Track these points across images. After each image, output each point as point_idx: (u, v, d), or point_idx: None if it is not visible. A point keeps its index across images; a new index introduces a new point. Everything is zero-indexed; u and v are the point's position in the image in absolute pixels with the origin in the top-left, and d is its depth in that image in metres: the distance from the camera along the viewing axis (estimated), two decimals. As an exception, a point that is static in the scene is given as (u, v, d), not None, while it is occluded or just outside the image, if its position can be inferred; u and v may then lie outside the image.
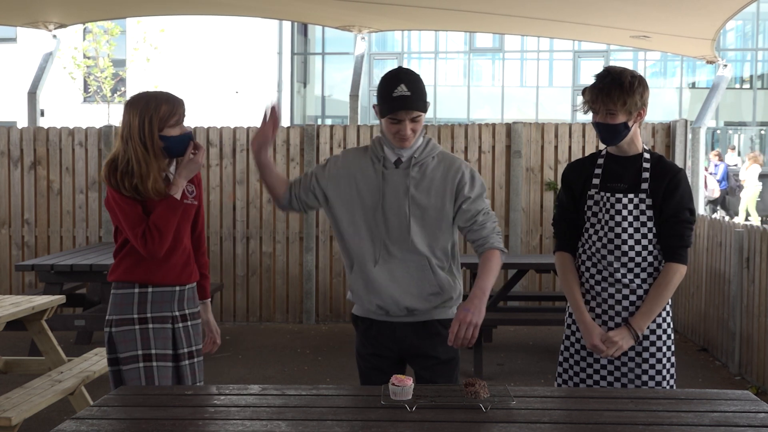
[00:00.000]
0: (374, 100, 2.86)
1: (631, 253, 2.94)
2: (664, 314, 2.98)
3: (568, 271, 3.05)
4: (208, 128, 8.02)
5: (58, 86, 18.14)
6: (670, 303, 3.00)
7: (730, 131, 28.79)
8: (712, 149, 20.04)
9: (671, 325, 3.02)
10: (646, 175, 2.95)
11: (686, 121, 7.87)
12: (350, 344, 7.00)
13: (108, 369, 3.08)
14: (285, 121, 25.43)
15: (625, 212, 2.93)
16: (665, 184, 2.92)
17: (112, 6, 8.78)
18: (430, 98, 2.89)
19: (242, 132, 7.98)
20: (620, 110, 2.86)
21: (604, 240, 2.96)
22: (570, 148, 7.88)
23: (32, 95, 8.83)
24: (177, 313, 3.11)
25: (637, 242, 2.93)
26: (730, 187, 17.27)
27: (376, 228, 2.87)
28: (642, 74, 2.97)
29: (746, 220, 15.68)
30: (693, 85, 29.66)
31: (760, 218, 16.22)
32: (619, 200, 2.94)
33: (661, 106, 27.85)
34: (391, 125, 2.81)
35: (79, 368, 4.66)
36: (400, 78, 2.78)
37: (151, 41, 18.05)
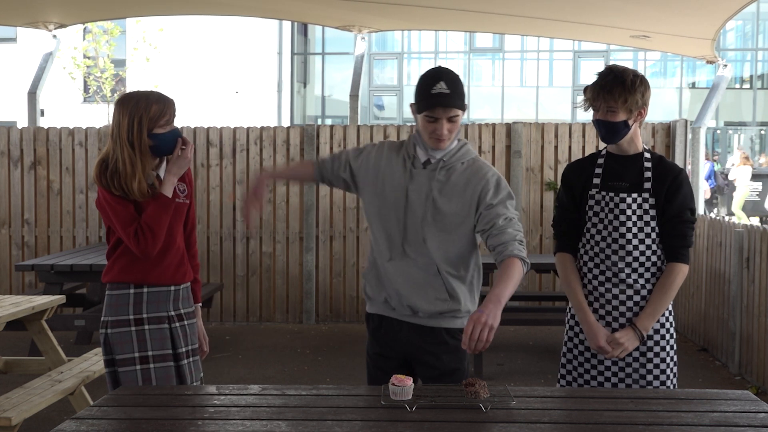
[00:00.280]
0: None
1: (636, 253, 2.93)
2: (666, 314, 2.99)
3: (570, 272, 3.04)
4: (208, 128, 8.02)
5: (58, 86, 18.13)
6: (671, 303, 3.01)
7: (730, 131, 28.79)
8: (713, 149, 20.08)
9: (673, 325, 3.03)
10: (648, 174, 2.95)
11: (686, 121, 7.87)
12: (350, 344, 7.03)
13: (105, 370, 3.07)
14: (285, 121, 25.43)
15: (629, 212, 2.93)
16: (668, 184, 2.93)
17: (112, 6, 8.77)
18: None
19: (242, 132, 7.98)
20: (621, 108, 2.86)
21: (609, 240, 2.95)
22: (570, 148, 7.88)
23: (32, 95, 8.83)
24: (173, 313, 3.10)
25: (641, 241, 2.93)
26: (718, 186, 17.33)
27: (396, 225, 2.83)
28: (643, 75, 2.98)
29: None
30: (693, 85, 29.66)
31: (760, 219, 16.25)
32: (623, 200, 2.94)
33: (661, 106, 27.85)
34: (427, 123, 2.75)
35: (79, 368, 4.66)
36: (440, 76, 2.72)
37: (150, 41, 18.03)
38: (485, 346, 2.45)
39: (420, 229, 2.80)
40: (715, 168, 18.05)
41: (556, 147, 7.92)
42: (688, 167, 7.73)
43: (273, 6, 8.99)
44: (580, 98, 3.01)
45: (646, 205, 2.93)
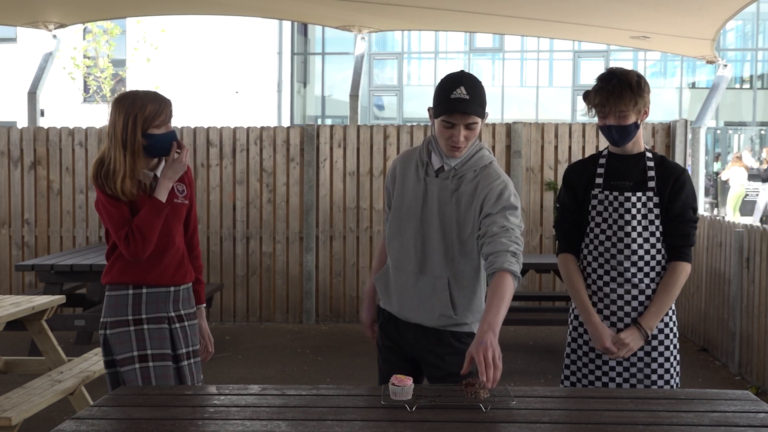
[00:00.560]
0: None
1: (640, 252, 2.94)
2: (670, 313, 3.00)
3: (574, 273, 3.03)
4: (208, 128, 8.02)
5: (58, 86, 18.13)
6: (674, 302, 3.01)
7: (730, 131, 28.78)
8: (714, 150, 20.09)
9: (676, 324, 3.04)
10: (651, 173, 2.96)
11: (686, 121, 7.88)
12: (350, 344, 7.03)
13: (105, 371, 3.06)
14: (285, 121, 25.43)
15: (634, 210, 2.94)
16: (671, 183, 2.94)
17: (112, 6, 8.77)
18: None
19: (242, 132, 7.98)
20: (632, 111, 2.89)
21: (614, 239, 2.96)
22: (570, 148, 7.88)
23: (32, 95, 8.83)
24: (173, 314, 3.09)
25: (646, 240, 2.94)
26: (705, 187, 17.31)
27: (408, 235, 2.81)
28: (642, 74, 2.99)
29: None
30: (693, 85, 29.66)
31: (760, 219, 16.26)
32: (628, 199, 2.94)
33: (661, 106, 27.84)
34: (444, 129, 2.67)
35: (79, 368, 4.66)
36: (461, 80, 2.64)
37: (151, 41, 18.03)
38: (497, 375, 2.37)
39: (430, 241, 2.77)
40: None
41: (556, 147, 7.92)
42: (688, 167, 7.73)
43: (273, 6, 8.99)
44: (583, 105, 3.01)
45: (650, 204, 2.94)
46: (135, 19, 17.61)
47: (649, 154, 3.01)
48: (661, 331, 2.98)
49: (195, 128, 7.98)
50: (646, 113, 2.95)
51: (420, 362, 2.90)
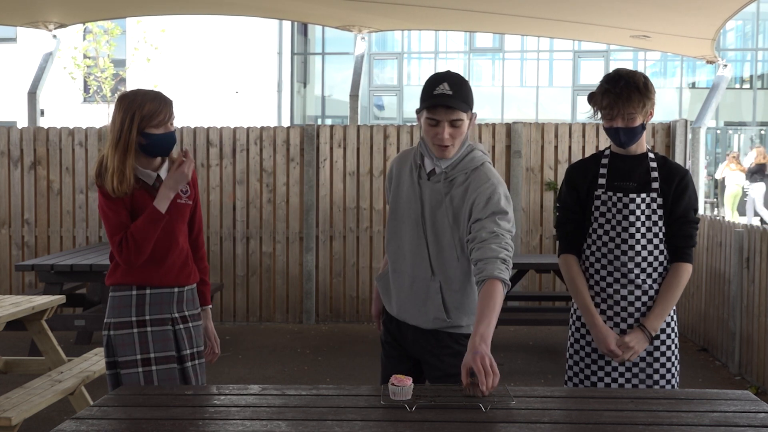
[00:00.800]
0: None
1: (644, 253, 2.94)
2: (671, 313, 3.00)
3: (576, 274, 3.02)
4: (208, 128, 8.02)
5: (58, 86, 18.13)
6: None
7: (730, 131, 28.78)
8: (715, 150, 20.07)
9: (677, 324, 3.05)
10: (654, 174, 2.96)
11: (686, 121, 7.87)
12: (350, 344, 7.03)
13: (106, 372, 3.05)
14: (285, 121, 25.43)
15: (638, 212, 2.94)
16: (674, 184, 2.94)
17: (112, 5, 8.78)
18: None
19: (242, 132, 7.98)
20: (639, 113, 2.89)
21: (617, 240, 2.95)
22: (570, 148, 7.88)
23: (32, 95, 8.83)
24: (176, 315, 3.07)
25: (649, 241, 2.94)
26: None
27: (403, 239, 2.82)
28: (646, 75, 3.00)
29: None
30: (693, 85, 29.65)
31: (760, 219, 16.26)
32: (632, 200, 2.94)
33: (661, 106, 27.83)
34: (429, 127, 2.67)
35: (79, 368, 4.66)
36: (445, 78, 2.66)
37: (151, 41, 18.03)
38: (495, 381, 2.37)
39: (424, 245, 2.77)
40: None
41: (556, 147, 7.92)
42: (688, 167, 7.73)
43: (273, 6, 9.00)
44: (586, 107, 3.01)
45: (654, 205, 2.94)
46: (135, 19, 17.61)
47: (651, 155, 3.00)
48: (663, 331, 2.98)
49: (195, 128, 7.98)
50: (652, 114, 2.95)
51: (420, 362, 2.91)
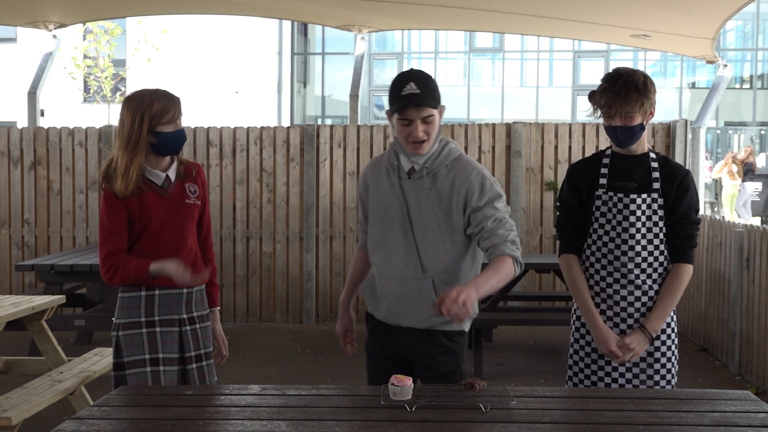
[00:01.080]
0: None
1: (644, 253, 2.93)
2: (671, 313, 3.00)
3: (577, 275, 3.01)
4: (208, 128, 8.02)
5: (58, 86, 18.13)
6: None
7: (730, 131, 28.78)
8: (715, 150, 20.06)
9: (676, 324, 3.05)
10: (656, 174, 2.95)
11: (686, 121, 7.87)
12: (350, 344, 7.02)
13: (112, 373, 3.03)
14: (285, 121, 25.44)
15: (639, 212, 2.93)
16: (676, 185, 2.94)
17: (112, 5, 8.78)
18: None
19: (242, 132, 7.98)
20: (638, 112, 2.87)
21: (618, 240, 2.95)
22: (570, 148, 7.87)
23: (32, 95, 8.83)
24: (185, 316, 3.06)
25: (650, 242, 2.94)
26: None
27: (390, 240, 2.81)
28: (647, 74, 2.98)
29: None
30: (693, 85, 29.65)
31: (760, 219, 16.26)
32: (633, 200, 2.93)
33: (661, 106, 27.83)
34: (402, 127, 2.70)
35: (79, 368, 4.66)
36: (410, 77, 2.68)
37: (151, 42, 18.03)
38: (459, 318, 2.45)
39: (412, 243, 2.77)
40: None
41: (556, 147, 7.91)
42: (688, 167, 7.73)
43: (273, 5, 9.00)
44: (586, 106, 3.00)
45: (654, 206, 2.94)
46: (136, 19, 17.61)
47: (653, 155, 3.00)
48: (663, 331, 2.98)
49: (195, 128, 7.98)
50: (652, 114, 2.93)
51: (412, 364, 2.89)
